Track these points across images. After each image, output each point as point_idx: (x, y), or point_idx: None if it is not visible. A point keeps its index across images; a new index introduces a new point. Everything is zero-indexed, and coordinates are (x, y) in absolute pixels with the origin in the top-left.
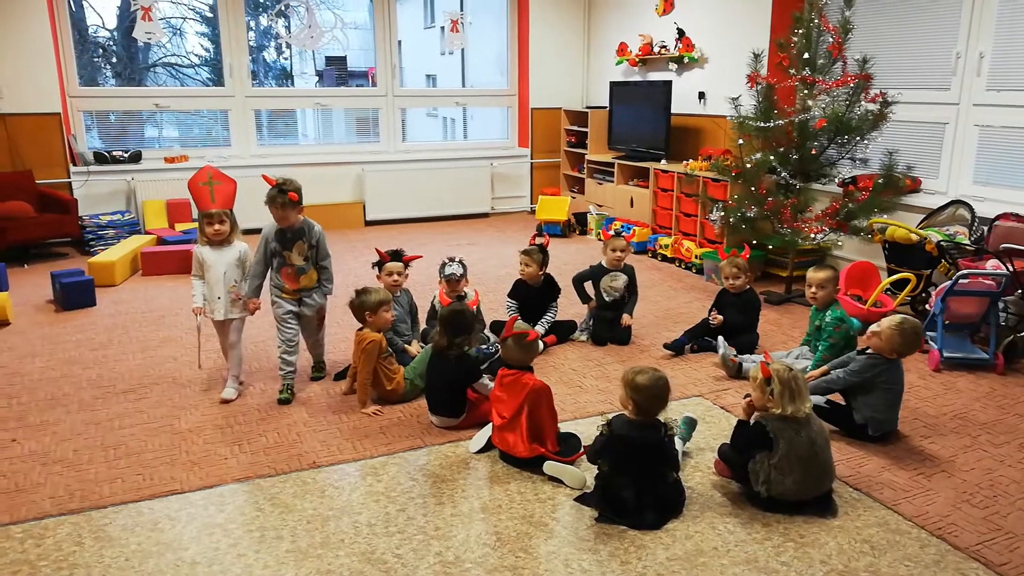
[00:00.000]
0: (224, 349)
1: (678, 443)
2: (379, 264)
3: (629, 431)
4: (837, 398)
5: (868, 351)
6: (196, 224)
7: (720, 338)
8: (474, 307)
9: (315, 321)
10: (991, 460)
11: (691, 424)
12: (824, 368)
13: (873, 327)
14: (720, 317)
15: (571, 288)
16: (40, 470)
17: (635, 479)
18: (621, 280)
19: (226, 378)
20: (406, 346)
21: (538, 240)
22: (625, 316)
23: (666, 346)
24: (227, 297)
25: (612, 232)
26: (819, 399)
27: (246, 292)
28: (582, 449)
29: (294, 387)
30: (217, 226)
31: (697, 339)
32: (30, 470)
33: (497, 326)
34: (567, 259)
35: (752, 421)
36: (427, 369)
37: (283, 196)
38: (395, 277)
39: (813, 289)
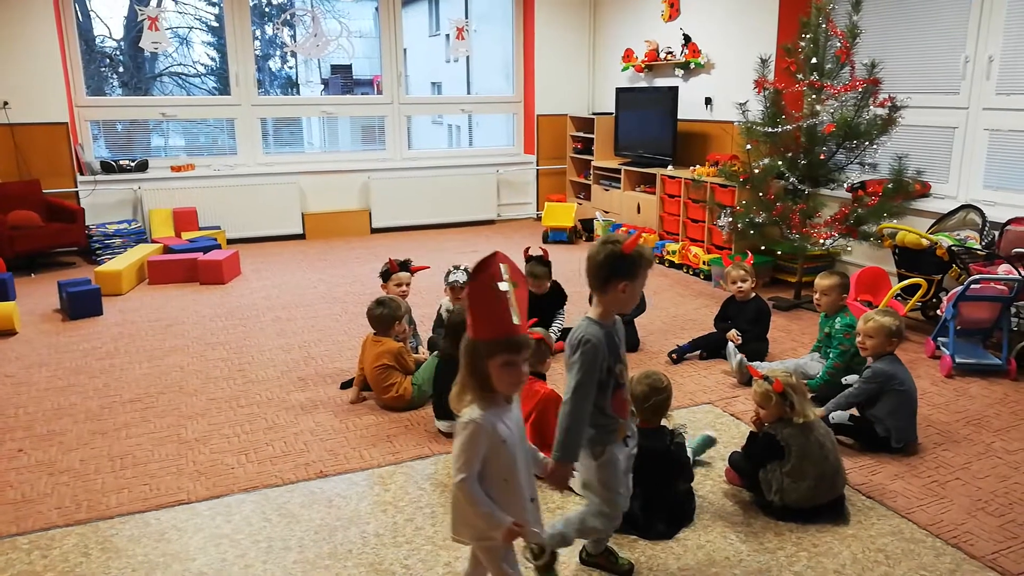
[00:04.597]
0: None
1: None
2: (386, 274)
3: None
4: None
5: (868, 364)
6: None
7: (730, 345)
8: None
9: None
10: (1006, 467)
11: (708, 442)
12: (822, 411)
13: (858, 340)
14: (739, 338)
15: (579, 295)
16: (47, 480)
17: (644, 489)
18: None
19: None
20: (413, 354)
21: (532, 252)
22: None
23: (670, 354)
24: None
25: (623, 232)
26: (843, 415)
27: (568, 455)
28: None
29: None
30: (525, 367)
31: (702, 348)
32: (37, 480)
33: None
34: (574, 266)
35: (761, 432)
36: (435, 375)
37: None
38: (404, 287)
39: (817, 296)
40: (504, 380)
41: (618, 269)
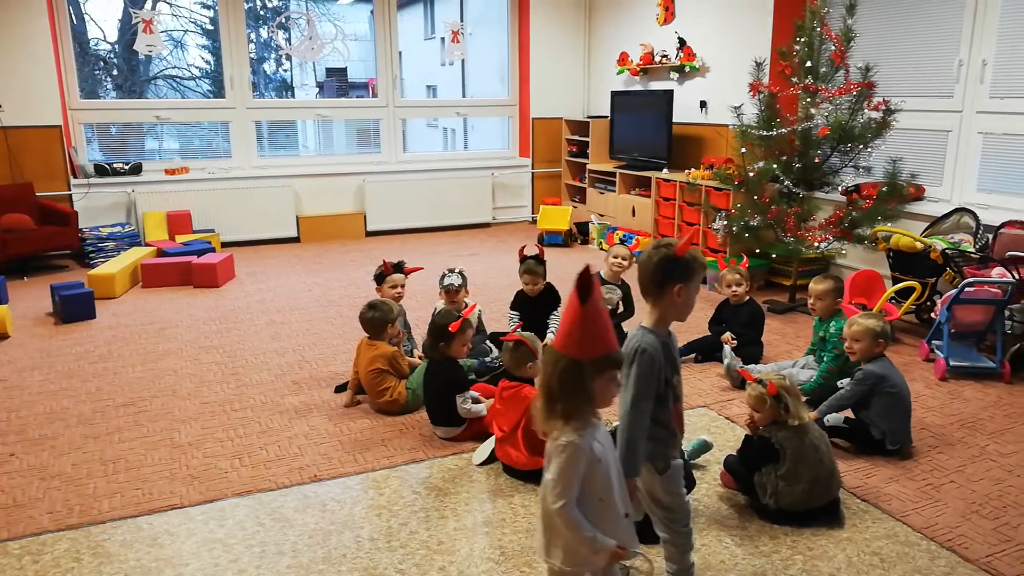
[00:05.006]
0: None
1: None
2: (380, 277)
3: None
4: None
5: (860, 367)
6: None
7: (726, 347)
8: (469, 316)
9: None
10: (1000, 470)
11: (703, 447)
12: (815, 414)
13: (845, 345)
14: (734, 341)
15: None
16: (38, 485)
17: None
18: (616, 295)
19: None
20: (408, 358)
21: (527, 252)
22: None
23: None
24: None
25: (616, 240)
26: (838, 418)
27: (633, 472)
28: None
29: None
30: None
31: (697, 352)
32: (28, 485)
33: (498, 337)
34: (569, 269)
35: (755, 436)
36: (423, 379)
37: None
38: (398, 289)
39: (812, 300)
40: (608, 396)
41: (672, 272)
